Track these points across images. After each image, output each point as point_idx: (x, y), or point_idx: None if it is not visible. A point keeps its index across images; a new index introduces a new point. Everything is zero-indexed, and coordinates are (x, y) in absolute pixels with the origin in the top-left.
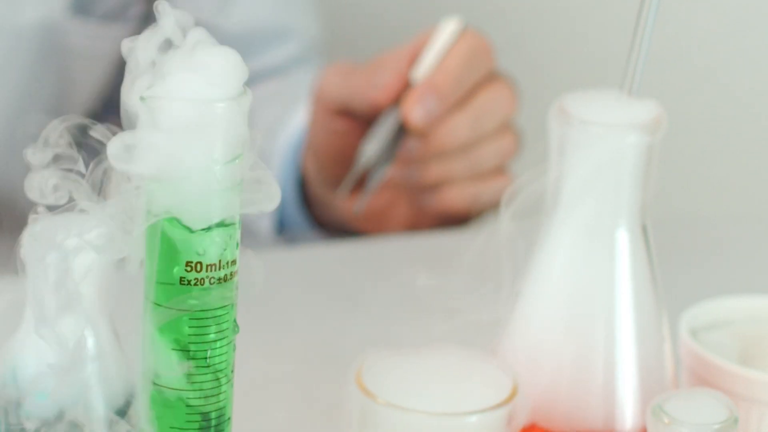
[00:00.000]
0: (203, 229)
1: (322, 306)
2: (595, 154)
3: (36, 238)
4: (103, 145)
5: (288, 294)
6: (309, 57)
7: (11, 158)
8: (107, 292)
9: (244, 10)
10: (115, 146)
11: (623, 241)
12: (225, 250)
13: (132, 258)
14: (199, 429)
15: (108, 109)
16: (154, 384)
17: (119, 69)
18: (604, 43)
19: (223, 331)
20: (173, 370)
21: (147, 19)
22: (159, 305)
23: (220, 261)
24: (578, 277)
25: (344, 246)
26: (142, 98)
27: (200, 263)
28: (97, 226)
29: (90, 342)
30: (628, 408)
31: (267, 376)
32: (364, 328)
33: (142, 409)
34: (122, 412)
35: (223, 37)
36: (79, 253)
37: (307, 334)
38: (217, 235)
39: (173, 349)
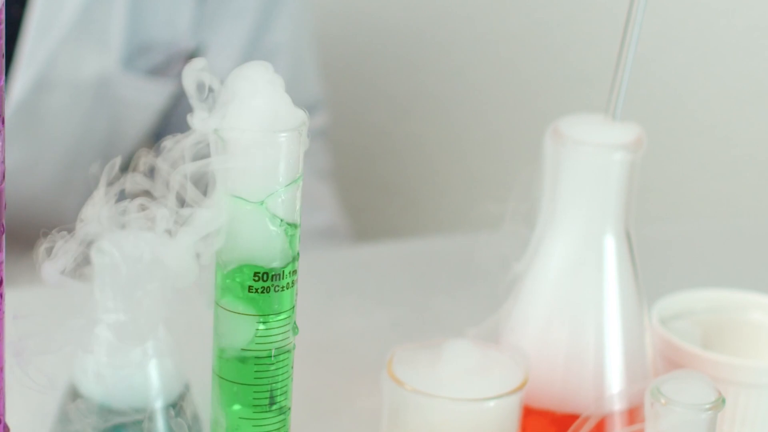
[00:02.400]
0: (269, 243)
1: (352, 305)
2: (586, 169)
3: (104, 251)
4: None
5: (324, 294)
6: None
7: (67, 196)
8: (167, 298)
9: None
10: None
11: (610, 245)
12: (288, 259)
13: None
14: (264, 418)
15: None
16: (225, 380)
17: (162, 118)
18: (590, 74)
19: (285, 332)
20: (242, 367)
21: None
22: (228, 311)
23: (283, 271)
24: (571, 277)
25: (377, 250)
26: (215, 131)
27: (266, 273)
28: (160, 242)
29: (150, 342)
30: (615, 390)
31: (307, 368)
32: (392, 324)
33: (212, 402)
34: (177, 401)
35: None
36: (142, 265)
37: (338, 331)
38: (284, 247)
39: (242, 349)
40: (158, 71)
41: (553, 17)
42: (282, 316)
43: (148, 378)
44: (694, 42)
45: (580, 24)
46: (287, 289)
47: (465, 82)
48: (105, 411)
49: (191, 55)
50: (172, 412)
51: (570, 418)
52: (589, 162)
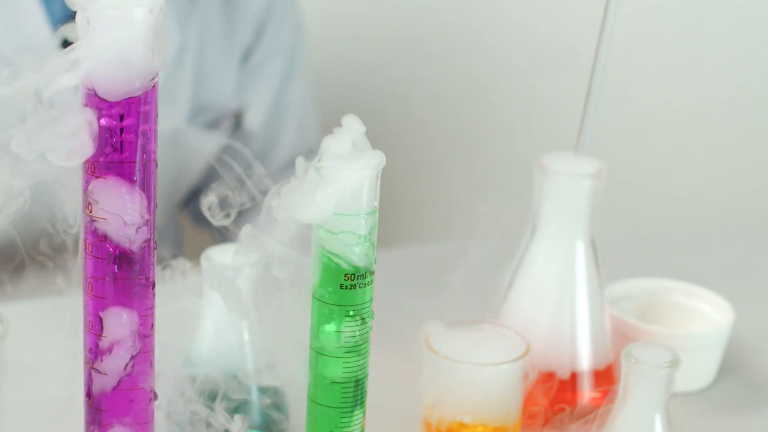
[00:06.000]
0: (356, 251)
1: (395, 297)
2: (562, 193)
3: (212, 261)
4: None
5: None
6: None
7: None
8: (259, 296)
9: (286, 144)
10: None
11: (580, 250)
12: (369, 264)
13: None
14: (351, 385)
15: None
16: (321, 355)
17: (216, 162)
18: (563, 121)
19: (365, 318)
20: (335, 345)
21: (235, 129)
22: (325, 303)
23: (366, 271)
24: (551, 274)
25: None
26: (316, 168)
27: (354, 274)
28: (255, 253)
29: (246, 328)
30: (585, 355)
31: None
32: (428, 309)
33: (309, 376)
34: (265, 376)
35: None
36: (242, 272)
37: (390, 316)
38: (366, 255)
39: (335, 331)
40: (212, 125)
41: (523, 63)
42: (365, 305)
43: (242, 358)
44: (648, 98)
45: (549, 66)
46: (369, 284)
47: (424, 128)
48: (207, 385)
49: (236, 113)
50: (262, 386)
51: (550, 376)
52: (565, 187)
